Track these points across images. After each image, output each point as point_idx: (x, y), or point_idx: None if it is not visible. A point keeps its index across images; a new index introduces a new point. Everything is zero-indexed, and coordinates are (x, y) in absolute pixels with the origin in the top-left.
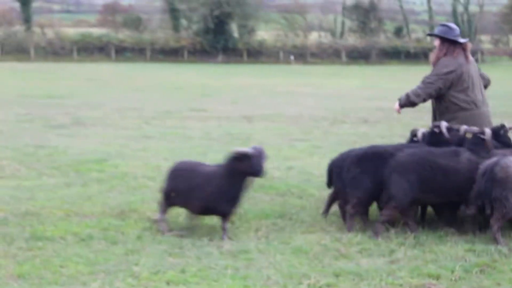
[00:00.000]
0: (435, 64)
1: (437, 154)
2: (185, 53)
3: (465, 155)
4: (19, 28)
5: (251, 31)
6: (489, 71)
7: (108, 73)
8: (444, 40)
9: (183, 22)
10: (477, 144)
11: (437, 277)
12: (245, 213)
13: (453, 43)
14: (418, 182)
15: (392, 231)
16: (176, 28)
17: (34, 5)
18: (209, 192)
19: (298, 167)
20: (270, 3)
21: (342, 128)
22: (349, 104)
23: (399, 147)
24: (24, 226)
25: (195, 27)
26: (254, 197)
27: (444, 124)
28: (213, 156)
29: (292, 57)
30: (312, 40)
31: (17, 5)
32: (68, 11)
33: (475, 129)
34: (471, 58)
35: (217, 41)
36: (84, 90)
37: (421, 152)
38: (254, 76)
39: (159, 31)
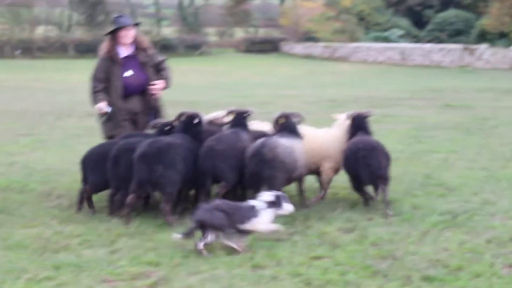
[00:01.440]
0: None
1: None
2: None
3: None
4: None
5: None
6: (216, 63)
7: None
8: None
9: None
10: None
11: (157, 264)
12: None
13: None
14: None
15: (114, 222)
16: None
17: None
18: None
19: (21, 162)
20: None
21: (68, 122)
22: (77, 98)
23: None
24: None
25: None
26: None
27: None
28: None
29: (18, 51)
30: (39, 34)
31: None
32: None
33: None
34: None
35: None
36: None
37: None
38: None
39: None
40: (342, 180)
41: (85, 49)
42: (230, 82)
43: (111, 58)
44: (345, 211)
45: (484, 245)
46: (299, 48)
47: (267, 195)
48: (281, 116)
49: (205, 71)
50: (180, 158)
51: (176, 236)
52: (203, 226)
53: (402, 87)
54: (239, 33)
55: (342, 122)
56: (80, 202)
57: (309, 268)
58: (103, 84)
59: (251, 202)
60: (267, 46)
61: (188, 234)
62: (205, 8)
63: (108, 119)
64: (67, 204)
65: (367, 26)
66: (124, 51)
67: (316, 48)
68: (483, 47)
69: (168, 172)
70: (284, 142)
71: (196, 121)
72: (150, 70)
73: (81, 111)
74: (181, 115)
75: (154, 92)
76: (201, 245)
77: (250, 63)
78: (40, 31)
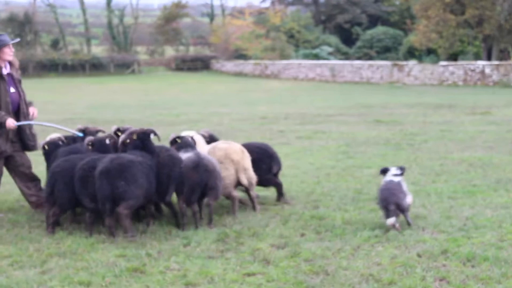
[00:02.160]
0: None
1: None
2: None
3: None
4: None
5: None
6: (146, 81)
7: None
8: None
9: None
10: None
11: (88, 284)
12: None
13: None
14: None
15: (44, 241)
16: None
17: None
18: None
19: None
20: None
21: None
22: None
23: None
24: None
25: None
26: None
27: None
28: None
29: None
30: None
31: None
32: None
33: None
34: None
35: None
36: None
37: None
38: None
39: None
40: (273, 197)
41: None
42: (161, 100)
43: None
44: (277, 227)
45: (415, 258)
46: (230, 65)
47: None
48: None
49: (136, 90)
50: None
51: (390, 220)
52: (398, 207)
53: (333, 103)
54: (170, 51)
55: None
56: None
57: (242, 285)
58: None
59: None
60: (198, 64)
61: (395, 217)
62: (134, 27)
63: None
64: None
65: (297, 43)
66: (4, 69)
67: (247, 66)
68: (411, 63)
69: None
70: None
71: (152, 136)
72: (21, 88)
73: None
74: (132, 133)
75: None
76: (394, 222)
77: (181, 81)
78: None
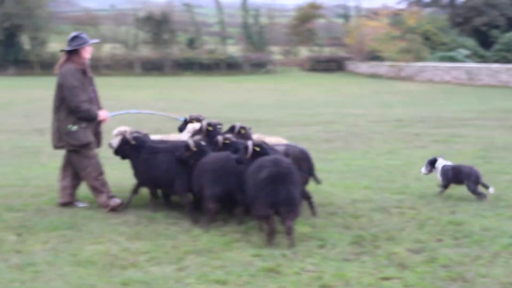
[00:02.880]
0: None
1: None
2: None
3: None
4: None
5: (43, 43)
6: (281, 81)
7: None
8: None
9: None
10: None
11: (224, 282)
12: (34, 225)
13: None
14: None
15: (181, 238)
16: None
17: None
18: None
19: None
20: (62, 15)
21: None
22: (142, 115)
23: None
24: None
25: None
26: (44, 209)
27: None
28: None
29: None
30: (105, 52)
31: None
32: None
33: None
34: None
35: (8, 54)
36: None
37: None
38: (46, 89)
39: None
40: (410, 200)
41: (151, 67)
42: (295, 100)
43: (83, 72)
44: (413, 232)
45: None
46: (364, 67)
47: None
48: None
49: (270, 90)
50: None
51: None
52: None
53: (470, 107)
54: (304, 52)
55: None
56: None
57: None
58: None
59: None
60: (332, 65)
61: None
62: (270, 27)
63: (86, 127)
64: (134, 221)
65: (433, 45)
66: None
67: (382, 67)
68: None
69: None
70: None
71: None
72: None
73: (146, 128)
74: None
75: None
76: None
77: (315, 82)
78: (107, 49)
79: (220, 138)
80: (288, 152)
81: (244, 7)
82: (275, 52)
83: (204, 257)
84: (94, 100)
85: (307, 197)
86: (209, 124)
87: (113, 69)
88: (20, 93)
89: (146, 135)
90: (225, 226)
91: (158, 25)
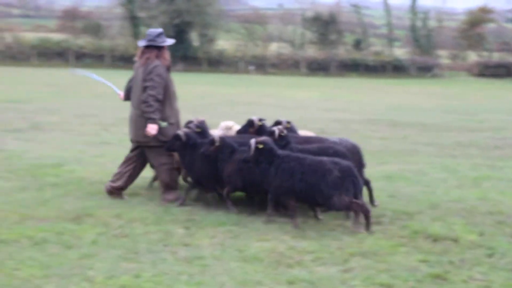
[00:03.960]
0: None
1: None
2: None
3: None
4: None
5: (211, 40)
6: (447, 86)
7: (67, 79)
8: None
9: (143, 29)
10: None
11: (390, 286)
12: (201, 220)
13: None
14: None
15: (346, 240)
16: (136, 35)
17: None
18: None
19: None
20: (231, 13)
21: None
22: (307, 114)
23: None
24: None
25: None
26: (211, 204)
27: None
28: None
29: (251, 67)
30: (272, 51)
31: None
32: (27, 16)
33: None
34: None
35: (177, 50)
36: (43, 95)
37: None
38: (213, 85)
39: (118, 38)
40: None
41: (316, 67)
42: (462, 105)
43: (168, 68)
44: None
45: None
46: None
47: None
48: None
49: (436, 94)
50: None
51: None
52: None
53: None
54: (472, 57)
55: None
56: None
57: None
58: None
59: None
60: (501, 71)
61: None
62: (438, 30)
63: (174, 124)
64: (299, 220)
65: None
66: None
67: None
68: None
69: None
70: None
71: None
72: None
73: (311, 128)
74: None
75: None
76: None
77: (483, 87)
78: (273, 48)
79: (276, 130)
80: (342, 145)
81: (413, 9)
82: (443, 56)
83: (370, 260)
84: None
85: None
86: (260, 120)
87: (279, 68)
88: (188, 89)
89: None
90: (390, 229)
91: (325, 25)
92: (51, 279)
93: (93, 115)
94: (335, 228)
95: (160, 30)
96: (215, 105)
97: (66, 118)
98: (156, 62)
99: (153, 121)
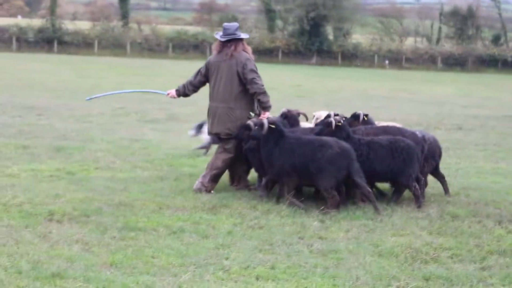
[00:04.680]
0: None
1: None
2: (280, 54)
3: None
4: (116, 23)
5: (346, 34)
6: None
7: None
8: None
9: (279, 23)
10: None
11: None
12: (336, 213)
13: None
14: None
15: (484, 238)
16: (271, 28)
17: (132, 1)
18: None
19: None
20: (367, 7)
21: (435, 134)
22: (444, 110)
23: None
24: (118, 217)
25: (290, 28)
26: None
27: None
28: None
29: (387, 62)
30: (407, 45)
31: (115, 1)
32: (165, 9)
33: None
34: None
35: (312, 43)
36: None
37: None
38: (348, 79)
39: (254, 31)
40: None
41: (453, 62)
42: None
43: None
44: None
45: None
46: None
47: None
48: None
49: None
50: None
51: None
52: None
53: None
54: None
55: None
56: None
57: None
58: None
59: None
60: None
61: None
62: None
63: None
64: (436, 216)
65: None
66: None
67: None
68: None
69: None
70: None
71: None
72: None
73: (448, 124)
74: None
75: None
76: None
77: None
78: (409, 42)
79: (333, 120)
80: (424, 138)
81: None
82: None
83: (508, 259)
84: None
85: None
86: (365, 115)
87: (415, 63)
88: (321, 82)
89: None
90: None
91: (463, 20)
92: (188, 268)
93: None
94: (473, 225)
95: (236, 24)
96: (349, 99)
97: (201, 109)
98: (245, 54)
99: (269, 109)
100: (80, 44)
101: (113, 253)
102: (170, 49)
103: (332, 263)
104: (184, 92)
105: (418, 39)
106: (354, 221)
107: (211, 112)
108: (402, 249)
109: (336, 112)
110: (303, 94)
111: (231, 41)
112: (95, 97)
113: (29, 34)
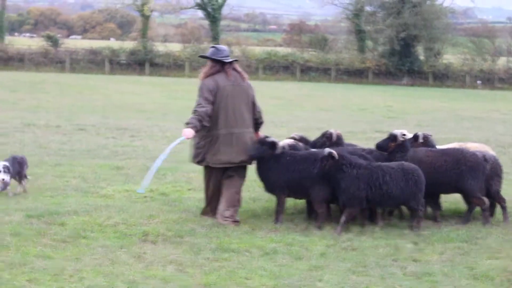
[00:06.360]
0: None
1: None
2: (370, 75)
3: None
4: (207, 45)
5: (438, 54)
6: None
7: (293, 92)
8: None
9: (369, 43)
10: None
11: None
12: (430, 235)
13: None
14: None
15: None
16: (361, 49)
17: (223, 23)
18: None
19: None
20: (458, 27)
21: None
22: None
23: None
24: (211, 238)
25: (380, 48)
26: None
27: None
28: None
29: (479, 82)
30: (500, 65)
31: (206, 22)
32: (255, 30)
33: None
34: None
35: (403, 64)
36: (269, 108)
37: None
38: (439, 100)
39: (344, 52)
40: None
41: None
42: None
43: None
44: None
45: None
46: None
47: None
48: None
49: None
50: None
51: None
52: None
53: None
54: None
55: None
56: None
57: None
58: None
59: None
60: None
61: None
62: None
63: None
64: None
65: None
66: None
67: None
68: None
69: None
70: None
71: None
72: None
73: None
74: None
75: None
76: None
77: None
78: (502, 62)
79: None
80: (485, 157)
81: None
82: None
83: None
84: None
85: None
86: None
87: (508, 83)
88: (412, 103)
89: None
90: None
91: None
92: None
93: (318, 128)
94: None
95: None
96: (440, 120)
97: (292, 131)
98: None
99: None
100: (171, 66)
101: (207, 274)
102: (261, 70)
103: (426, 286)
104: (202, 125)
105: (511, 58)
106: (448, 243)
107: (234, 139)
108: (498, 272)
109: (428, 134)
110: (394, 115)
111: (232, 63)
112: (147, 182)
113: (121, 56)
